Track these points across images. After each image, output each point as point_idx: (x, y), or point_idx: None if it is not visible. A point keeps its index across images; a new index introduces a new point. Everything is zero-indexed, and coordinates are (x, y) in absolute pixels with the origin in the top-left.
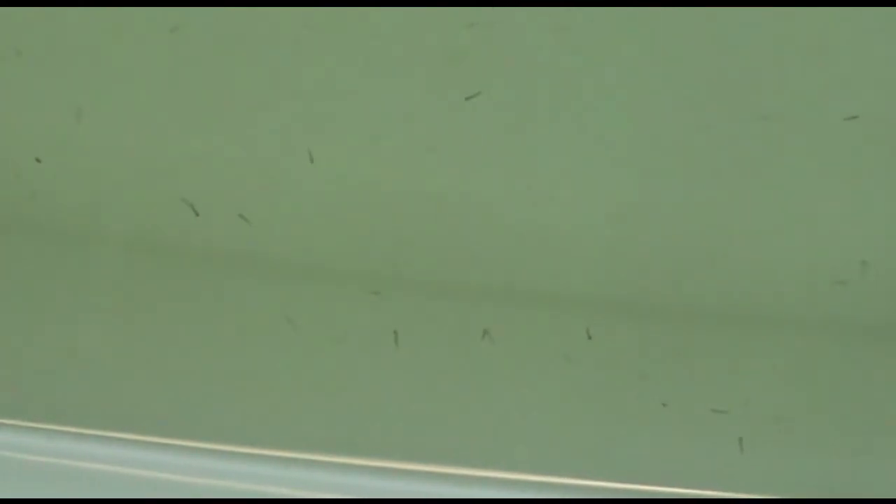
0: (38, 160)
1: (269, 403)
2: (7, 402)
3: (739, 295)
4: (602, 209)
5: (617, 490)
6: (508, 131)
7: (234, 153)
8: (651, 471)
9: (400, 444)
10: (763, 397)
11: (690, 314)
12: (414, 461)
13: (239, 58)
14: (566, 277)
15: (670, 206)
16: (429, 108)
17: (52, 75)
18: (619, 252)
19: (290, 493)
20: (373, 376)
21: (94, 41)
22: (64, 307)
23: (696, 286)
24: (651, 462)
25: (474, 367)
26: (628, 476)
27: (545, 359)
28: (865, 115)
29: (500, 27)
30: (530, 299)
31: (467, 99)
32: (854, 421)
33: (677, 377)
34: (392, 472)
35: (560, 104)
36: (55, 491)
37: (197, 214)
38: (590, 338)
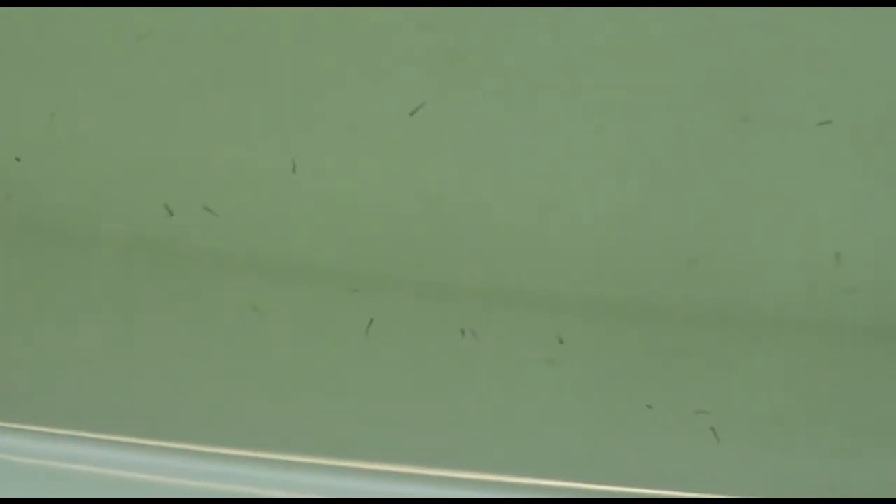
0: (17, 159)
1: (266, 405)
2: None
3: (732, 297)
4: (594, 211)
5: (617, 493)
6: (495, 131)
7: (218, 154)
8: (640, 472)
9: (380, 444)
10: (756, 398)
11: (682, 316)
12: (396, 462)
13: (226, 57)
14: (554, 278)
15: (662, 207)
16: (423, 109)
17: (26, 76)
18: (610, 254)
19: (284, 494)
20: (361, 377)
21: (73, 42)
22: (51, 308)
23: (688, 288)
24: (642, 464)
25: (455, 366)
26: (624, 478)
27: (529, 360)
28: (864, 118)
29: (496, 28)
30: (515, 300)
31: (411, 114)
32: (848, 422)
33: (668, 378)
34: (377, 474)
35: (553, 106)
36: (47, 494)
37: (171, 215)
38: (561, 342)
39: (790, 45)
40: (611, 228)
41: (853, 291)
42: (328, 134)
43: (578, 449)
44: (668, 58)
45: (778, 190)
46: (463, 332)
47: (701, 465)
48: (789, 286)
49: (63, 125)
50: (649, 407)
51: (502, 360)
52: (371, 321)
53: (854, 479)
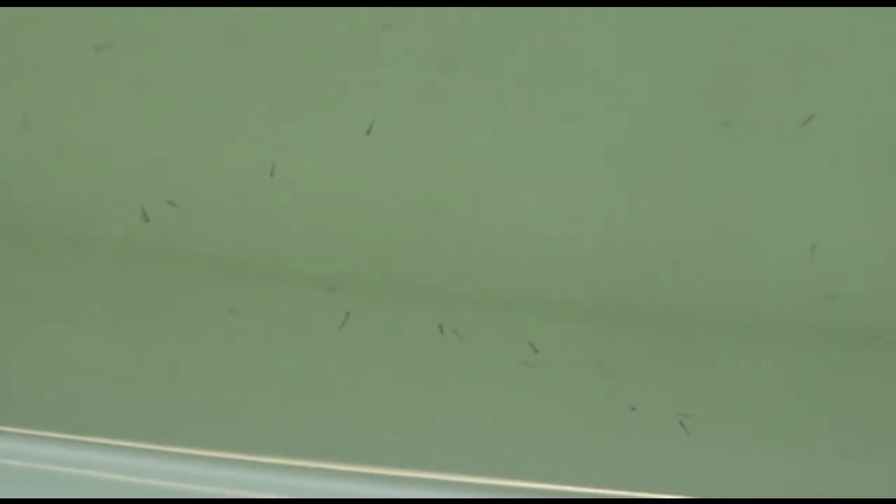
0: None
1: (262, 408)
2: None
3: (713, 298)
4: (578, 213)
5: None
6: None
7: (203, 157)
8: (622, 474)
9: (360, 446)
10: (737, 400)
11: (663, 317)
12: (376, 465)
13: (217, 57)
14: (537, 280)
15: (644, 209)
16: (419, 112)
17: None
18: (594, 256)
19: (264, 495)
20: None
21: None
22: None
23: (669, 289)
24: (626, 465)
25: (436, 368)
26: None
27: (511, 362)
28: (850, 122)
29: (489, 31)
30: (499, 303)
31: (367, 133)
32: (829, 423)
33: (651, 380)
34: (356, 475)
35: (547, 108)
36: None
37: (147, 221)
38: (536, 351)
39: (772, 47)
40: (594, 231)
41: (834, 297)
42: (317, 134)
43: (564, 451)
44: (654, 60)
45: (760, 193)
46: (441, 328)
47: (681, 466)
48: (770, 288)
49: (37, 130)
50: (633, 409)
51: (485, 362)
52: (348, 314)
53: (843, 482)
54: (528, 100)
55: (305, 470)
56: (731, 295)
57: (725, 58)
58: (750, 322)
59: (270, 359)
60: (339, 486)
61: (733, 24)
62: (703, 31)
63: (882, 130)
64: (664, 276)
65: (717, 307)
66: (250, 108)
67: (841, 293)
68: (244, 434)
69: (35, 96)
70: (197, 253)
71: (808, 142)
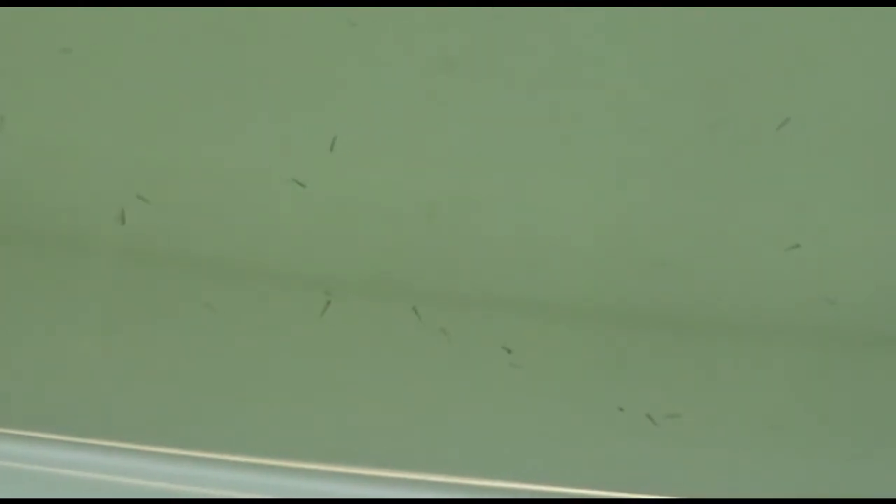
0: None
1: (261, 410)
2: None
3: (700, 300)
4: (581, 216)
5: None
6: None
7: (195, 157)
8: (609, 474)
9: (342, 445)
10: (727, 401)
11: (650, 319)
12: (360, 465)
13: (214, 58)
14: (524, 282)
15: (652, 213)
16: (419, 112)
17: None
18: (597, 260)
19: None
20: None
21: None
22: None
23: (677, 293)
24: (611, 466)
25: (422, 368)
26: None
27: (499, 362)
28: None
29: (489, 33)
30: (492, 304)
31: (331, 149)
32: (838, 425)
33: (638, 381)
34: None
35: (546, 108)
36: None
37: (123, 223)
38: (509, 352)
39: (765, 49)
40: (590, 232)
41: (832, 300)
42: (316, 134)
43: (559, 452)
44: (654, 60)
45: (756, 194)
46: (416, 311)
47: (678, 466)
48: (767, 290)
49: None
50: (621, 409)
51: (476, 362)
52: (328, 303)
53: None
54: (527, 100)
55: (305, 472)
56: (727, 296)
57: (723, 59)
58: (746, 323)
59: (266, 360)
60: (338, 488)
61: (729, 25)
62: (701, 33)
63: (880, 131)
64: (660, 278)
65: (713, 308)
66: (249, 108)
67: (837, 295)
68: (244, 435)
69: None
70: (196, 254)
71: (804, 143)
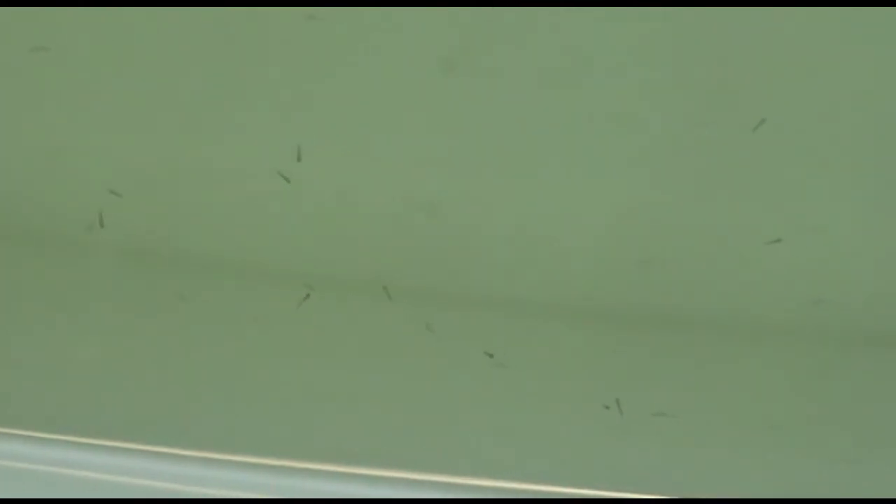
0: None
1: (259, 409)
2: None
3: (717, 302)
4: (576, 216)
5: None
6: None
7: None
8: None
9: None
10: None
11: (636, 317)
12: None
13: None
14: (514, 281)
15: (648, 214)
16: (418, 112)
17: None
18: (593, 260)
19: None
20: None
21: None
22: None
23: (672, 293)
24: (599, 465)
25: (406, 367)
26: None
27: (490, 361)
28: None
29: (493, 32)
30: (476, 302)
31: (298, 160)
32: (835, 424)
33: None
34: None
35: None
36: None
37: (102, 226)
38: (491, 356)
39: (752, 49)
40: (584, 232)
41: (822, 301)
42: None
43: (555, 452)
44: (654, 60)
45: (752, 194)
46: (388, 294)
47: (671, 466)
48: (761, 290)
49: None
50: (606, 407)
51: (460, 361)
52: (307, 295)
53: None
54: (527, 100)
55: (305, 472)
56: (721, 296)
57: (759, 59)
58: (741, 323)
59: (265, 360)
60: (337, 488)
61: (725, 25)
62: (699, 33)
63: (876, 132)
64: (658, 278)
65: (710, 308)
66: (247, 107)
67: (833, 295)
68: (242, 435)
69: None
70: (193, 254)
71: (803, 144)
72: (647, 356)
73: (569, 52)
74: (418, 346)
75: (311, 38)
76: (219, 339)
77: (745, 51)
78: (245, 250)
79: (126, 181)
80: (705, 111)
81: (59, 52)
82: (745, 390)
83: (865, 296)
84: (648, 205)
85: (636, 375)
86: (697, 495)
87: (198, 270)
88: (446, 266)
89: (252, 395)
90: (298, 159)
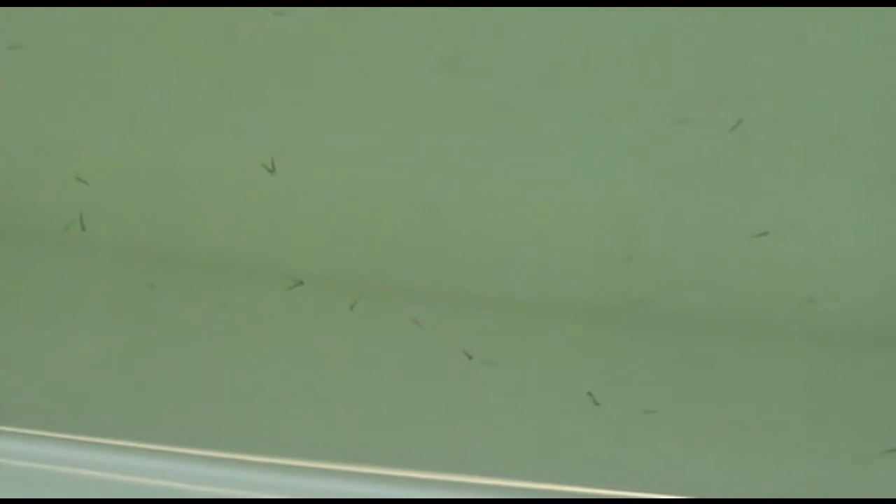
0: None
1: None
2: None
3: (712, 302)
4: (573, 216)
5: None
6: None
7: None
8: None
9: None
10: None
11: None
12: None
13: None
14: (538, 282)
15: (646, 213)
16: (418, 112)
17: None
18: (589, 260)
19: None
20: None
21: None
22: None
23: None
24: (587, 463)
25: (393, 366)
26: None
27: (478, 360)
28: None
29: (490, 32)
30: (462, 300)
31: (272, 172)
32: (832, 424)
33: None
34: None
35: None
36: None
37: (84, 229)
38: (470, 358)
39: (739, 46)
40: (579, 232)
41: (814, 300)
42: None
43: (550, 450)
44: (654, 61)
45: (748, 194)
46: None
47: (649, 465)
48: (756, 290)
49: None
50: (597, 404)
51: (446, 359)
52: (301, 283)
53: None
54: (526, 100)
55: (310, 470)
56: (712, 294)
57: (731, 57)
58: (736, 322)
59: (257, 358)
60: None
61: (710, 23)
62: (698, 32)
63: (873, 133)
64: (652, 279)
65: (700, 307)
66: (248, 107)
67: (823, 294)
68: (241, 434)
69: None
70: (192, 253)
71: (802, 143)
72: (638, 354)
73: (559, 51)
74: (408, 344)
75: (311, 37)
76: (212, 337)
77: (731, 48)
78: (241, 250)
79: (107, 178)
80: (704, 112)
81: (34, 51)
82: (739, 389)
83: (858, 294)
84: (641, 203)
85: (627, 373)
86: (694, 495)
87: (195, 269)
88: (438, 264)
89: (245, 394)
90: (272, 171)
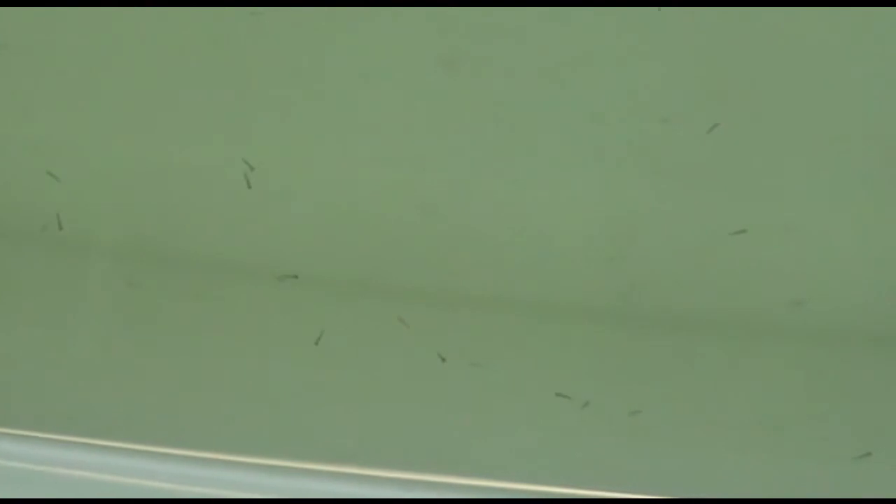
0: None
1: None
2: None
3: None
4: (568, 216)
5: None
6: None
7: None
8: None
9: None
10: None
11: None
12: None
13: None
14: (538, 282)
15: (643, 213)
16: (418, 111)
17: None
18: (585, 260)
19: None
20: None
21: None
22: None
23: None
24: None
25: (381, 365)
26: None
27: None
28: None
29: (488, 34)
30: (455, 301)
31: (248, 186)
32: (829, 424)
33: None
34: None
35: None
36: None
37: (61, 229)
38: (444, 360)
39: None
40: (573, 232)
41: (802, 302)
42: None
43: (545, 450)
44: (653, 60)
45: (745, 194)
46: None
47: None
48: (750, 290)
49: None
50: (586, 404)
51: (434, 360)
52: (296, 276)
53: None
54: (523, 100)
55: (308, 472)
56: (709, 297)
57: (724, 57)
58: (731, 322)
59: (260, 360)
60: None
61: (704, 23)
62: (697, 32)
63: (865, 134)
64: (649, 278)
65: (697, 309)
66: (246, 106)
67: (814, 296)
68: (238, 435)
69: None
70: (190, 253)
71: (791, 144)
72: (632, 353)
73: (558, 51)
74: (402, 344)
75: (310, 36)
76: (207, 337)
77: (730, 48)
78: (236, 249)
79: (103, 178)
80: (705, 111)
81: (19, 50)
82: (732, 389)
83: (848, 295)
84: (634, 204)
85: (622, 374)
86: (686, 495)
87: (193, 268)
88: (437, 264)
89: (240, 394)
90: (248, 186)
